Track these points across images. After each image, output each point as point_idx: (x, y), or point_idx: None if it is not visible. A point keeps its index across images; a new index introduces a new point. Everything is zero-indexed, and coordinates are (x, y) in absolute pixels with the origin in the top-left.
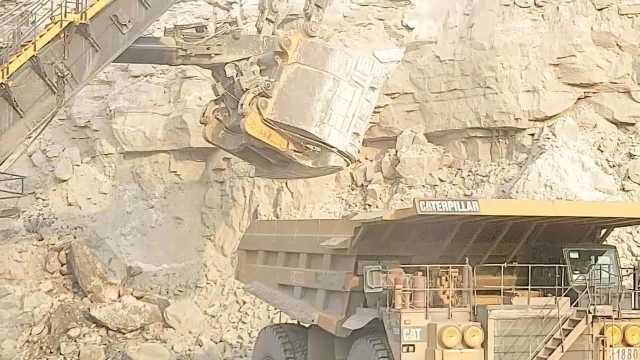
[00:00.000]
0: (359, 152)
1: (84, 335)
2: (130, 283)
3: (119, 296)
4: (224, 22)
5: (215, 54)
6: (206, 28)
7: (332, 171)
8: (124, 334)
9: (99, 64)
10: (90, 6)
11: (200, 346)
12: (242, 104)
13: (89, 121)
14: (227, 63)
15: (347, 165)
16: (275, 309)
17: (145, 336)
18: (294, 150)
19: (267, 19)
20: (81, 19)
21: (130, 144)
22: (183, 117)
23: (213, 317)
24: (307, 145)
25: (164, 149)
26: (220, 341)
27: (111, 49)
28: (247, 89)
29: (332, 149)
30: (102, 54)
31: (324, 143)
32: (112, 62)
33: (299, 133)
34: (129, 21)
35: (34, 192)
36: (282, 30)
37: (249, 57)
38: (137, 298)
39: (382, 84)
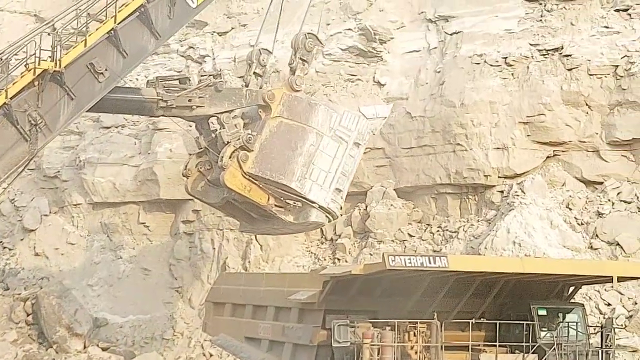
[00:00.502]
0: (341, 208)
1: None
2: (96, 334)
3: (85, 347)
4: (209, 75)
5: (197, 106)
6: (189, 80)
7: (314, 227)
8: None
9: (73, 112)
10: (66, 54)
11: None
12: (222, 157)
13: (58, 171)
14: (209, 116)
15: (329, 221)
16: None
17: None
18: (275, 205)
19: (254, 72)
20: (56, 66)
21: (99, 194)
22: (153, 169)
23: None
24: (288, 201)
25: (133, 200)
26: None
27: (87, 98)
28: (228, 142)
29: (313, 205)
30: (78, 103)
31: (305, 198)
32: (90, 111)
33: (280, 188)
34: (106, 69)
35: (1, 242)
36: (268, 84)
37: (231, 110)
38: (103, 349)
39: (367, 140)
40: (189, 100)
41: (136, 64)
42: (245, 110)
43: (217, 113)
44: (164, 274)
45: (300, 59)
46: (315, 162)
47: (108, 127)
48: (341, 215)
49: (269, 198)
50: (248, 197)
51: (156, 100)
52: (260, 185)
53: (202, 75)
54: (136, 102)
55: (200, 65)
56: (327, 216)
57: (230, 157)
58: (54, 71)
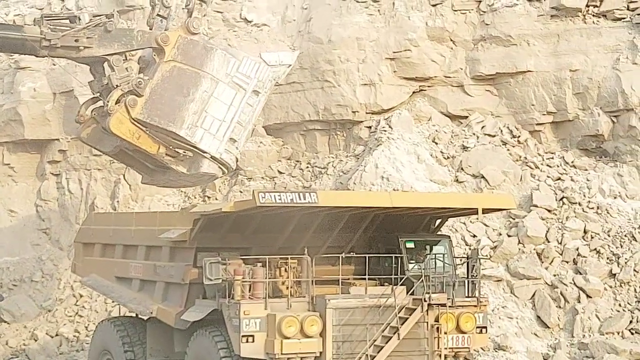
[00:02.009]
0: (237, 160)
1: None
2: None
3: None
4: (102, 15)
5: (85, 47)
6: (79, 19)
7: (209, 179)
8: None
9: None
10: None
11: (36, 341)
12: (108, 101)
13: None
14: (100, 58)
15: (224, 173)
16: (113, 302)
17: None
18: (166, 155)
19: (158, 14)
20: None
21: None
22: (17, 109)
23: (49, 311)
24: (178, 150)
25: None
26: (56, 335)
27: None
28: (117, 86)
29: (205, 155)
30: None
31: (195, 147)
32: None
33: (169, 135)
34: None
35: None
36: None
37: (122, 53)
38: None
39: (270, 88)
40: (76, 41)
41: None
42: (142, 55)
43: (107, 55)
44: (31, 215)
45: None
46: (209, 109)
47: None
48: (240, 169)
49: (159, 147)
50: (137, 145)
51: (39, 39)
52: (150, 133)
53: (94, 16)
54: (18, 40)
55: (62, 2)
56: (220, 167)
57: (117, 102)
58: None
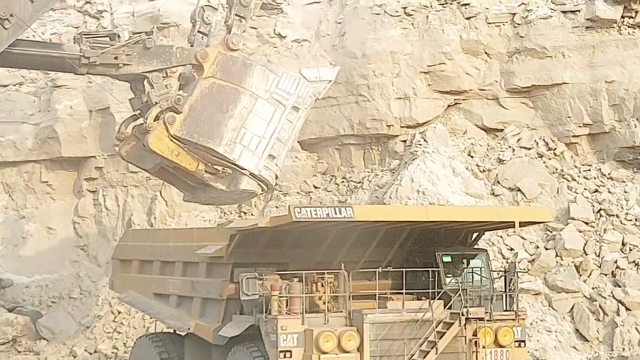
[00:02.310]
0: (276, 177)
1: None
2: (2, 295)
3: None
4: (142, 32)
5: (124, 64)
6: (119, 37)
7: (248, 196)
8: None
9: None
10: None
11: (75, 357)
12: (147, 118)
13: None
14: (140, 75)
15: (263, 190)
16: (151, 318)
17: (17, 348)
18: (205, 172)
19: (199, 31)
20: None
21: None
22: (54, 127)
23: (87, 327)
24: (217, 167)
25: (34, 159)
26: (95, 352)
27: None
28: (156, 103)
29: (244, 172)
30: None
31: (234, 164)
32: (6, 66)
33: (208, 152)
34: (11, 15)
35: None
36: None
37: (161, 69)
38: (9, 310)
39: (310, 104)
40: (115, 58)
41: (46, 9)
42: (182, 72)
43: (146, 72)
44: (69, 232)
45: (236, 15)
46: (248, 126)
47: (5, 86)
48: (276, 185)
49: (198, 164)
50: (176, 162)
51: (78, 57)
52: (188, 150)
53: (133, 33)
54: (57, 59)
55: (98, 20)
56: (259, 184)
57: (156, 119)
58: None
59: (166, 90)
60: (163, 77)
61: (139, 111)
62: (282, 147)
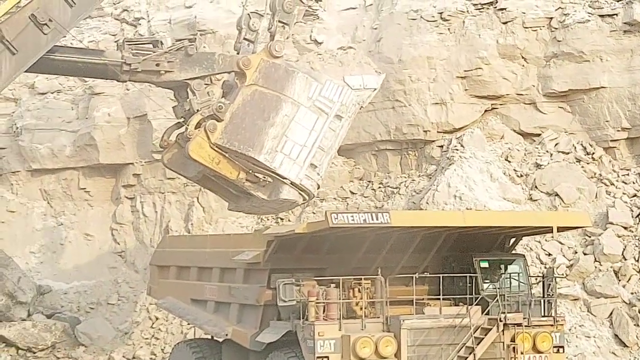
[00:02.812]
0: (318, 187)
1: None
2: (41, 301)
3: (29, 315)
4: (184, 38)
5: (166, 71)
6: (162, 43)
7: (290, 206)
8: (34, 352)
9: (17, 68)
10: None
11: None
12: (187, 126)
13: None
14: (183, 82)
15: (304, 200)
16: (188, 324)
17: (56, 354)
18: (247, 180)
19: (245, 38)
20: None
21: (38, 161)
22: (92, 134)
23: (125, 333)
24: (257, 175)
25: (72, 166)
26: (133, 358)
27: (32, 52)
28: (197, 111)
29: (284, 181)
30: (21, 57)
31: (275, 173)
32: (51, 73)
33: (249, 161)
34: (50, 20)
35: None
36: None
37: (204, 77)
38: (48, 316)
39: (354, 112)
40: (157, 65)
41: (85, 14)
42: (227, 79)
43: (188, 79)
44: (107, 239)
45: (280, 21)
46: (289, 134)
47: (44, 93)
48: (322, 200)
49: (239, 173)
50: (217, 170)
51: (120, 64)
52: (229, 158)
53: (177, 40)
54: (99, 65)
55: (135, 28)
56: (300, 194)
57: (197, 127)
58: None
59: (208, 98)
60: (205, 84)
61: (182, 119)
62: (324, 156)
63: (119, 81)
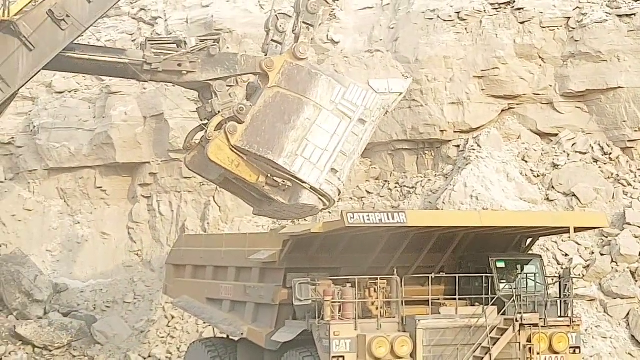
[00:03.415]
0: (339, 192)
1: (9, 354)
2: (57, 300)
3: (45, 313)
4: (208, 38)
5: (188, 72)
6: (185, 43)
7: (310, 211)
8: (50, 351)
9: (34, 65)
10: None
11: None
12: (207, 127)
13: (12, 138)
14: (205, 83)
15: (325, 206)
16: (204, 323)
17: (72, 353)
18: (266, 184)
19: (273, 40)
20: (4, 15)
21: (55, 160)
22: (108, 133)
23: (141, 332)
24: (276, 179)
25: (89, 165)
26: (149, 356)
27: (49, 48)
28: (218, 112)
29: (304, 185)
30: (38, 54)
31: (294, 177)
32: (71, 71)
33: (268, 164)
34: (67, 16)
35: None
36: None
37: (225, 78)
38: (64, 315)
39: (378, 117)
40: (179, 65)
41: (104, 11)
42: (252, 81)
43: (210, 80)
44: (123, 237)
45: (304, 22)
46: (310, 138)
47: (61, 92)
48: (339, 200)
49: (259, 176)
50: (236, 173)
51: (141, 63)
52: (249, 161)
53: (200, 40)
54: (119, 64)
55: (152, 27)
56: (320, 199)
57: (217, 128)
58: (2, 20)
59: (230, 100)
60: (228, 86)
61: (205, 120)
62: (346, 161)
63: (139, 81)
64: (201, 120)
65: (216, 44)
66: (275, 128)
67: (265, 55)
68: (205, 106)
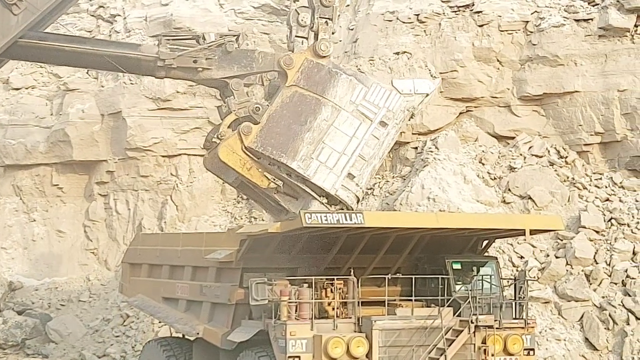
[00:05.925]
0: (358, 200)
1: None
2: (11, 298)
3: (0, 311)
4: (226, 35)
5: (204, 69)
6: (204, 39)
7: None
8: (4, 349)
9: None
10: None
11: None
12: (220, 126)
13: None
14: (221, 81)
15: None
16: (159, 322)
17: (26, 351)
18: (277, 191)
19: (297, 36)
20: None
21: (11, 156)
22: (65, 130)
23: (96, 331)
24: (289, 184)
25: (45, 162)
26: (104, 355)
27: (1, 34)
28: (233, 111)
29: (314, 195)
30: None
31: (308, 182)
32: (82, 67)
33: (281, 167)
34: (20, 0)
35: None
36: None
37: (242, 75)
38: (18, 313)
39: (402, 120)
40: (194, 62)
41: None
42: (272, 80)
43: (225, 78)
44: (79, 236)
45: (320, 17)
46: (327, 140)
47: (18, 89)
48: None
49: (270, 182)
50: (247, 176)
51: (154, 59)
52: (261, 165)
53: (220, 36)
54: (133, 59)
55: (111, 25)
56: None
57: (230, 127)
58: None
59: (247, 99)
60: (246, 85)
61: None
62: (365, 165)
63: (155, 77)
64: (221, 119)
65: (233, 40)
66: (290, 130)
67: (292, 53)
68: (223, 105)
